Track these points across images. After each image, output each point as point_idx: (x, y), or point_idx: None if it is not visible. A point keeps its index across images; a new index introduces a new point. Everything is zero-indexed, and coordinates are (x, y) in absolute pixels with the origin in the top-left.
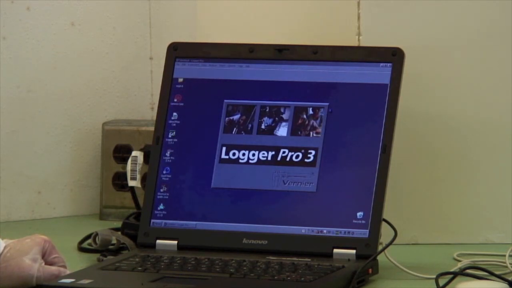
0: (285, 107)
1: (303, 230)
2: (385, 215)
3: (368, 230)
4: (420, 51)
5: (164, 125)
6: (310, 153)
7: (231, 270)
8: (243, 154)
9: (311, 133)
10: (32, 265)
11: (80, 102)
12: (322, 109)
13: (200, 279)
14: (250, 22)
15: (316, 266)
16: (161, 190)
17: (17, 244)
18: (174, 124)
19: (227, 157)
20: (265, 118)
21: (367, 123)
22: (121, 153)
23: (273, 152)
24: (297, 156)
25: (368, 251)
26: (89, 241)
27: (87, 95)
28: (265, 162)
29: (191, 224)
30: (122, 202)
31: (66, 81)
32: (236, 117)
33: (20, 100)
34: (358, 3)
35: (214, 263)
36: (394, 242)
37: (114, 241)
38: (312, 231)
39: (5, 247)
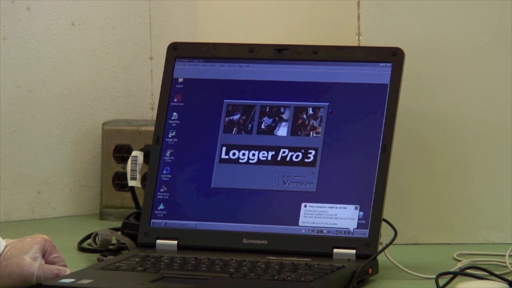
0: (285, 107)
1: (303, 230)
2: (385, 215)
3: (368, 230)
4: (420, 51)
5: (164, 125)
6: (310, 153)
7: (231, 270)
8: (243, 154)
9: (311, 133)
10: (32, 263)
11: (80, 102)
12: (322, 109)
13: (200, 279)
14: (250, 22)
15: (316, 266)
16: (161, 190)
17: (17, 243)
18: (174, 124)
19: (227, 157)
20: (265, 118)
21: (367, 123)
22: (121, 153)
23: (273, 152)
24: (297, 156)
25: (368, 251)
26: (89, 241)
27: (87, 95)
28: (265, 162)
29: (191, 224)
30: (122, 202)
31: (66, 81)
32: (236, 117)
33: (20, 100)
34: (358, 3)
35: (214, 263)
36: (394, 242)
37: (114, 241)
38: (312, 231)
39: (5, 246)
